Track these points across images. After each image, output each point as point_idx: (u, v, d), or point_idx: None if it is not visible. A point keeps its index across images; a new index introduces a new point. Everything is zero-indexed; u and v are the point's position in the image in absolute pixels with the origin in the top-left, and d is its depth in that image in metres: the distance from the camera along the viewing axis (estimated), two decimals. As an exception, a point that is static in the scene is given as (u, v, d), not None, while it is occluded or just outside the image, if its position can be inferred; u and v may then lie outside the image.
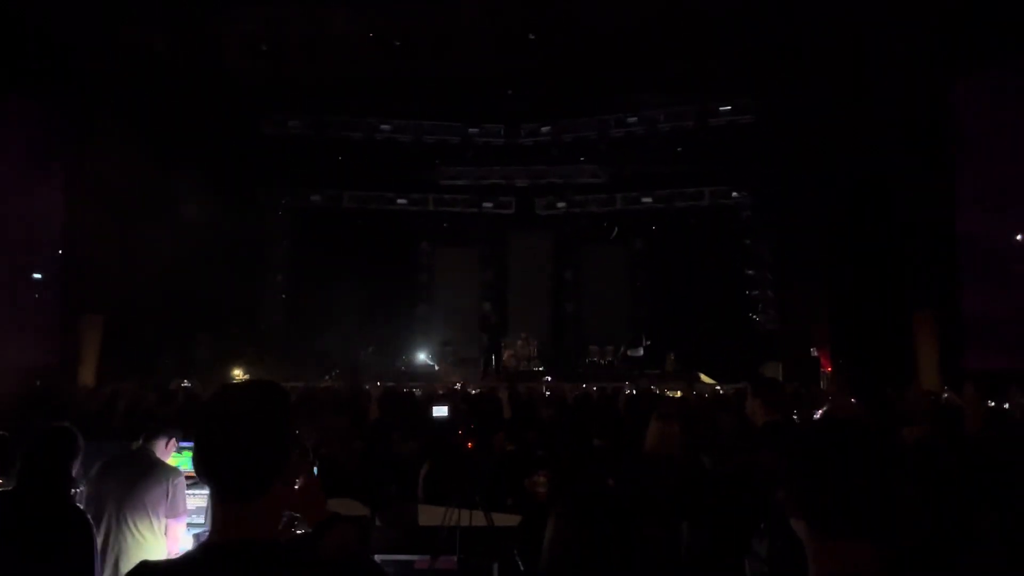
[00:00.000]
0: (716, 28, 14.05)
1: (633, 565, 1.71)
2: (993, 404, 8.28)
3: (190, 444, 4.62)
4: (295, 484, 1.68)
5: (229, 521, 1.52)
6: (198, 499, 4.32)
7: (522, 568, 3.54)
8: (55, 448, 3.20)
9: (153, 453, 4.12)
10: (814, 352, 15.30)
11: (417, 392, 10.41)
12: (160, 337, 13.93)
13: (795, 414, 7.84)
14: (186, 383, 11.13)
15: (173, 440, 4.24)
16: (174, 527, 3.93)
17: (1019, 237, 12.06)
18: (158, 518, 3.87)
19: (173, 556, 3.87)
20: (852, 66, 13.16)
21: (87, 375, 12.78)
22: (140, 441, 4.21)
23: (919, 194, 12.46)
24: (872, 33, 12.65)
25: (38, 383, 9.94)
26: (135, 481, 3.90)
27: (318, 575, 1.51)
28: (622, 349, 18.62)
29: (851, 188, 13.82)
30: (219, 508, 1.54)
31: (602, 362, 18.66)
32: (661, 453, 4.06)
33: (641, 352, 18.54)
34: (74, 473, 3.24)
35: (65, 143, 12.79)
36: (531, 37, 14.86)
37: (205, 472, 1.54)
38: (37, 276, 12.50)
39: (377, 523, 4.33)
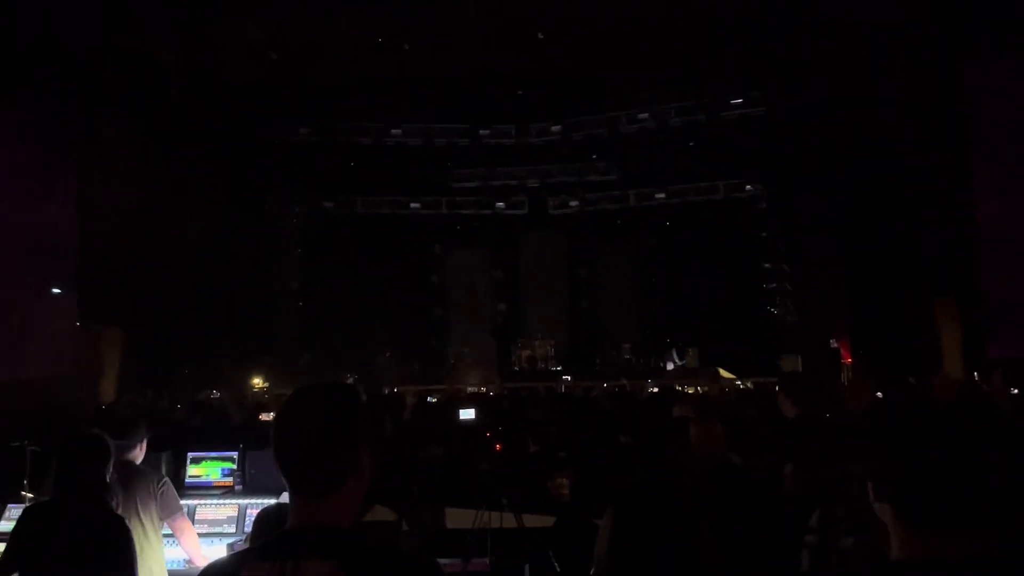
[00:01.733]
0: (724, 21, 13.99)
1: (686, 564, 1.69)
2: (1016, 391, 8.22)
3: (213, 454, 4.65)
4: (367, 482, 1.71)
5: (306, 512, 1.59)
6: (228, 508, 4.31)
7: (559, 569, 3.52)
8: (87, 455, 3.21)
9: (133, 462, 4.11)
10: (834, 343, 15.19)
11: (436, 396, 10.42)
12: (178, 348, 13.98)
13: (823, 407, 7.78)
14: (215, 393, 11.18)
15: (144, 442, 4.20)
16: (178, 525, 3.93)
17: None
18: (152, 523, 3.87)
19: (192, 554, 3.94)
20: (864, 53, 13.06)
21: (107, 388, 12.83)
22: (115, 455, 4.15)
23: (936, 180, 12.34)
24: (883, 19, 12.54)
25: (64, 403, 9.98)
26: (123, 492, 3.89)
27: (389, 565, 1.56)
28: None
29: (867, 176, 13.70)
30: (295, 500, 1.61)
31: (620, 359, 18.62)
32: (707, 453, 4.03)
33: (672, 366, 18.04)
34: (108, 479, 3.24)
35: (78, 155, 12.84)
36: (539, 36, 14.84)
37: (282, 469, 1.61)
38: (56, 291, 12.55)
39: (404, 527, 4.32)
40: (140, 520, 3.85)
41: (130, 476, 3.96)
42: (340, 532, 1.57)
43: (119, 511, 3.40)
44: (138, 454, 4.10)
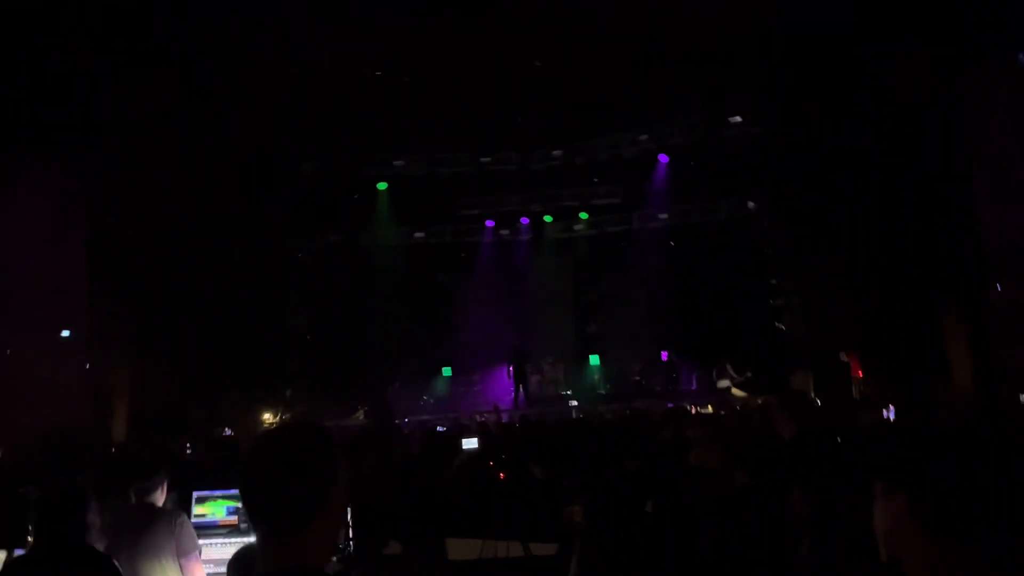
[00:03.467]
0: (721, 40, 14.07)
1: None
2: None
3: (219, 492, 4.66)
4: (340, 518, 1.74)
5: (275, 555, 1.59)
6: (233, 548, 4.30)
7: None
8: (66, 504, 3.22)
9: (153, 504, 4.15)
10: (844, 357, 15.11)
11: (443, 427, 10.41)
12: (189, 386, 13.99)
13: (830, 422, 7.75)
14: (228, 431, 11.20)
15: (166, 484, 4.27)
16: (188, 567, 3.98)
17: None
18: (168, 563, 3.90)
19: None
20: (862, 66, 13.11)
21: (119, 429, 12.86)
22: (135, 498, 4.20)
23: (938, 190, 12.33)
24: (880, 32, 12.61)
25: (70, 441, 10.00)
26: (140, 531, 3.94)
27: None
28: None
29: (869, 188, 13.70)
30: (264, 544, 1.62)
31: (630, 381, 18.58)
32: (709, 473, 4.04)
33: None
34: (90, 522, 3.24)
35: (87, 197, 12.94)
36: (537, 64, 14.96)
37: (249, 512, 1.65)
38: (65, 334, 12.61)
39: (410, 560, 4.30)
40: (158, 561, 3.88)
41: (149, 517, 4.01)
42: (307, 572, 1.57)
43: (136, 553, 3.43)
44: (159, 496, 4.16)
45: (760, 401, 14.03)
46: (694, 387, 18.70)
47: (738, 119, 17.62)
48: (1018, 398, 7.96)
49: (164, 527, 3.87)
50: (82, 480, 3.38)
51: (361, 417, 16.85)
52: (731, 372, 17.46)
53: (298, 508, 1.58)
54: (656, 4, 13.04)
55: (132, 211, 12.64)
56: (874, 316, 14.03)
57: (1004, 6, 10.87)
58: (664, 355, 19.15)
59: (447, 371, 20.55)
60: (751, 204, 18.97)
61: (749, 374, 16.88)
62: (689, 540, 3.77)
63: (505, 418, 12.52)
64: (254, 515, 1.62)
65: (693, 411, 12.35)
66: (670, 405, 14.78)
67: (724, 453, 4.62)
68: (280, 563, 1.57)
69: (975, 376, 11.31)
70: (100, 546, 3.38)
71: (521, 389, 18.11)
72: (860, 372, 14.68)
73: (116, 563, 3.25)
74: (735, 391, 16.48)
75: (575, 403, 16.01)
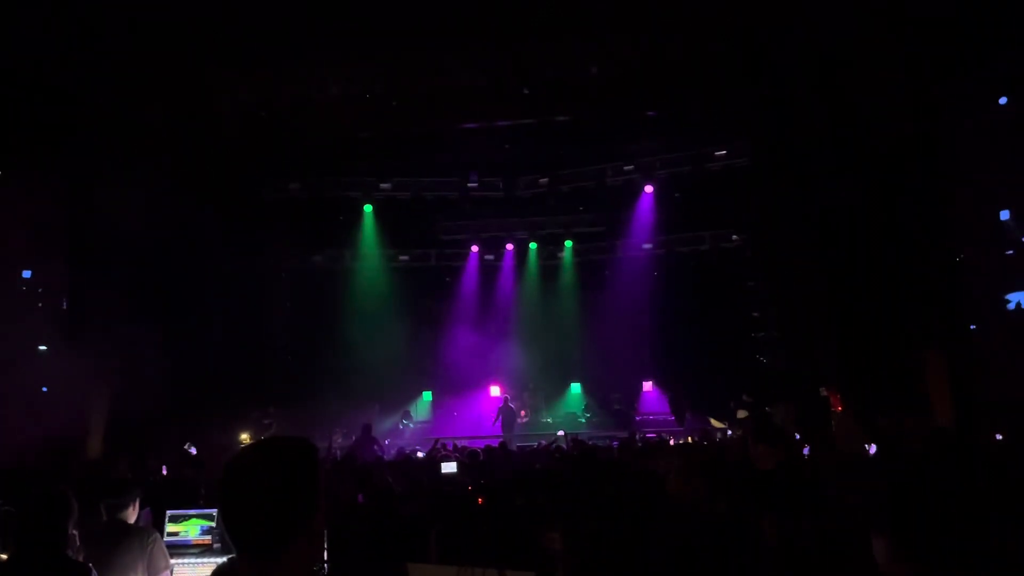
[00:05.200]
0: (706, 72, 14.24)
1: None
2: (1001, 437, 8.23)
3: (193, 512, 4.61)
4: (321, 543, 1.66)
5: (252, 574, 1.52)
6: (205, 567, 4.26)
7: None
8: (49, 511, 3.21)
9: (124, 521, 4.12)
10: (824, 391, 15.14)
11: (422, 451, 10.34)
12: (169, 405, 13.84)
13: (806, 452, 7.79)
14: (193, 450, 11.08)
15: (138, 501, 4.25)
16: None
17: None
18: None
19: None
20: (847, 102, 13.29)
21: (94, 445, 12.70)
22: (106, 514, 4.16)
23: (920, 227, 12.46)
24: (865, 68, 12.80)
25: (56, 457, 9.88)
26: (112, 548, 3.91)
27: None
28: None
29: (852, 224, 13.83)
30: (242, 563, 1.55)
31: (611, 409, 18.56)
32: (687, 503, 4.04)
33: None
34: (71, 531, 3.24)
35: (69, 214, 12.89)
36: (525, 92, 15.07)
37: (228, 530, 1.55)
38: (42, 348, 12.48)
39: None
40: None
41: (120, 534, 3.97)
42: None
43: (107, 570, 3.39)
44: (131, 514, 4.12)
45: (740, 433, 14.06)
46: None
47: (723, 152, 17.79)
48: (994, 434, 8.02)
49: (136, 545, 3.84)
50: (67, 489, 3.36)
51: (340, 440, 16.71)
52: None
53: (279, 528, 1.52)
54: (644, 36, 13.21)
55: (116, 227, 12.58)
56: (855, 351, 14.10)
57: (986, 49, 11.08)
58: (645, 384, 19.16)
59: (428, 395, 20.48)
60: (734, 236, 19.11)
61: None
62: (669, 568, 3.76)
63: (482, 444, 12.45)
64: (233, 533, 1.54)
65: (672, 441, 12.35)
66: (650, 434, 14.84)
67: (704, 483, 4.62)
68: None
69: (954, 412, 11.38)
70: (79, 558, 3.36)
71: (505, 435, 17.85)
72: (840, 407, 14.71)
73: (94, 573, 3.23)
74: (714, 422, 16.48)
75: (561, 433, 15.92)
